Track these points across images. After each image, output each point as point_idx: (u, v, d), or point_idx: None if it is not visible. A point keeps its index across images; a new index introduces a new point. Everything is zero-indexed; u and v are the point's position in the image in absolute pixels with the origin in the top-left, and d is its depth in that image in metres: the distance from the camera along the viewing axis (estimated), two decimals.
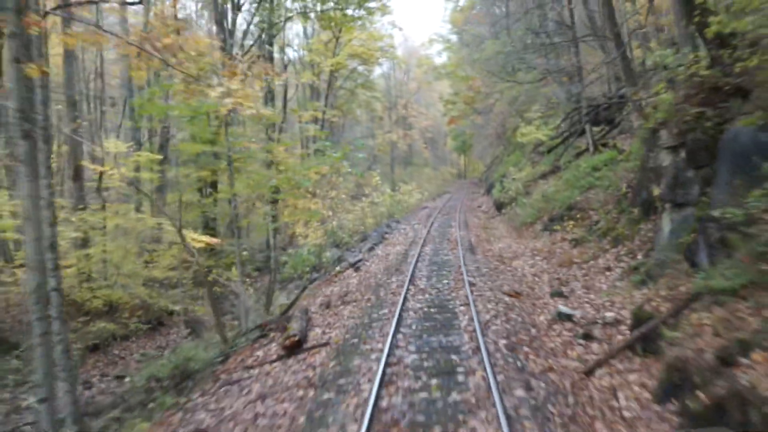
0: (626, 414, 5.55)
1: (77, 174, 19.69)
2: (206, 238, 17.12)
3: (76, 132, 19.34)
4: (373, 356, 6.83)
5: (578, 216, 16.22)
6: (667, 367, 5.71)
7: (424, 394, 5.60)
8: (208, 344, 11.32)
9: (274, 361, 7.85)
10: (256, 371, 7.66)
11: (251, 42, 26.86)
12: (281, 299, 14.89)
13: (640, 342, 6.65)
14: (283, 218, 18.05)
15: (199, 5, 28.90)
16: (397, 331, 7.73)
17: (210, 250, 19.28)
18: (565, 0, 21.91)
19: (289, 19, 27.99)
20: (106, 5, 20.15)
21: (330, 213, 20.85)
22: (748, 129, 7.71)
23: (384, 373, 6.12)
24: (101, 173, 20.19)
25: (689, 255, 7.33)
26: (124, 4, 18.09)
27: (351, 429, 4.89)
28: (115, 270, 18.96)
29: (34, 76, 6.61)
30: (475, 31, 36.32)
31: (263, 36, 26.77)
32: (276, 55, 32.71)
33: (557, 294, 10.44)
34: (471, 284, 10.55)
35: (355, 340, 7.73)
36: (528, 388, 5.77)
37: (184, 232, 17.89)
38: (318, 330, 8.96)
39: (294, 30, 43.61)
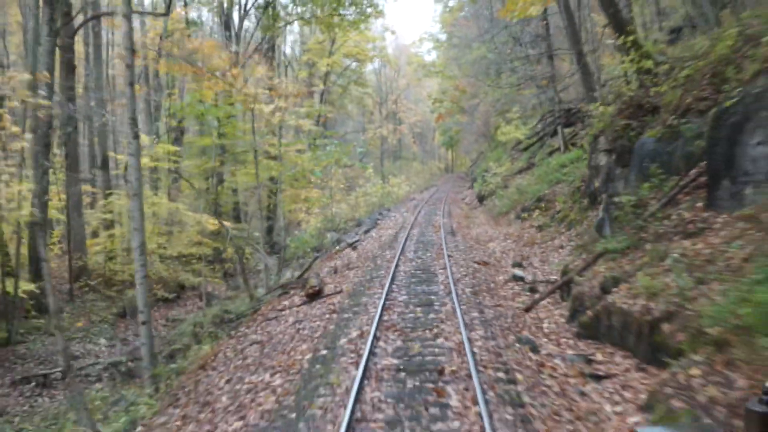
0: (545, 329, 8.50)
1: (104, 163, 22.38)
2: (214, 221, 20.04)
3: (104, 126, 22.04)
4: (376, 296, 9.74)
5: (544, 206, 19.20)
6: (572, 299, 8.70)
7: (411, 315, 8.53)
8: (235, 302, 14.17)
9: (300, 305, 10.74)
10: (287, 312, 10.54)
11: (256, 44, 29.55)
12: (287, 275, 17.72)
13: (561, 289, 9.64)
14: (287, 205, 20.90)
15: (209, 10, 31.46)
16: (392, 283, 10.65)
17: (217, 233, 22.04)
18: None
19: (289, 23, 30.68)
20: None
21: (329, 201, 23.75)
22: (650, 139, 10.68)
23: (384, 304, 9.03)
24: (126, 162, 22.93)
25: (598, 229, 10.32)
26: (150, 14, 20.71)
27: (365, 329, 7.80)
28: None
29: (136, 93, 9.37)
30: (462, 34, 39.18)
31: (266, 38, 29.49)
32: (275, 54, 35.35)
33: (517, 264, 13.42)
34: (449, 256, 13.50)
35: (361, 289, 10.66)
36: (481, 313, 8.72)
37: (202, 216, 20.76)
38: (331, 285, 11.86)
39: (292, 30, 46.09)
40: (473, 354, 6.55)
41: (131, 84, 9.16)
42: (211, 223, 20.49)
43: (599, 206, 13.80)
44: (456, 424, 4.88)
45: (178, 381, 8.59)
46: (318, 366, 6.72)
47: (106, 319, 18.10)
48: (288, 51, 42.98)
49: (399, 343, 7.20)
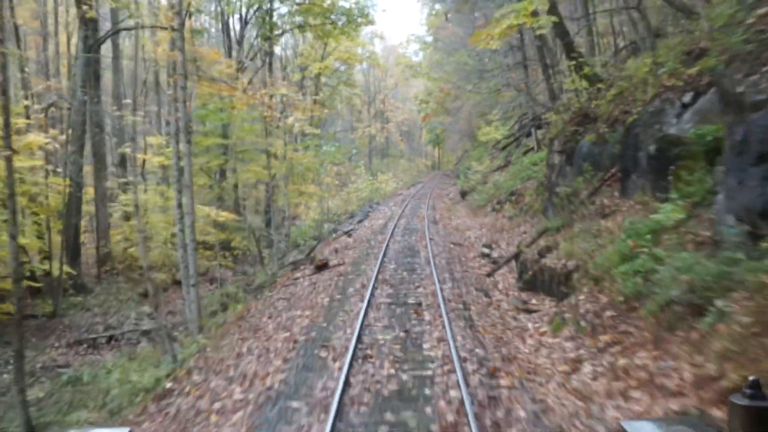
0: (499, 286, 11.57)
1: (122, 161, 25.19)
2: (225, 214, 22.98)
3: (122, 127, 24.86)
4: (372, 265, 12.77)
5: (515, 199, 22.29)
6: (520, 264, 11.78)
7: (399, 276, 11.58)
8: (252, 278, 17.13)
9: (311, 274, 13.74)
10: (301, 279, 13.54)
11: (255, 51, 32.41)
12: (290, 259, 20.66)
13: (515, 260, 12.72)
14: (291, 198, 23.81)
15: (210, 18, 34.22)
16: (384, 257, 13.68)
17: (222, 224, 24.89)
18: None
19: (286, 31, 33.55)
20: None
21: (326, 195, 26.72)
22: (587, 143, 13.77)
23: (379, 269, 12.05)
24: (144, 160, 25.81)
25: (544, 213, 13.44)
26: (166, 29, 23.56)
27: (366, 283, 10.82)
28: (153, 237, 24.54)
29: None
30: (447, 39, 42.23)
31: (265, 45, 32.34)
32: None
33: (486, 246, 16.48)
34: (431, 239, 16.55)
35: (360, 261, 13.71)
36: (452, 275, 11.79)
37: (211, 209, 23.62)
38: (334, 261, 14.86)
39: (287, 35, 48.89)
40: (443, 296, 9.59)
41: (184, 102, 12.05)
42: (217, 215, 23.39)
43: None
44: (428, 327, 7.93)
45: (223, 328, 11.54)
46: (335, 303, 9.75)
47: (132, 298, 20.96)
48: (282, 54, 45.75)
49: (391, 290, 10.26)
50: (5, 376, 14.09)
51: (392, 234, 17.87)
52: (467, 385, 5.73)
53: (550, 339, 7.92)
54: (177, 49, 12.17)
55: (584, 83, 14.24)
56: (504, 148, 31.84)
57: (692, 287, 6.11)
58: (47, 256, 20.13)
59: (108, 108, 23.54)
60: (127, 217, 25.04)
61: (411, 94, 74.18)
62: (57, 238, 20.92)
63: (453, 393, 5.65)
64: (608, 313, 7.53)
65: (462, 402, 5.34)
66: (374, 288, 10.33)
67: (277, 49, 43.95)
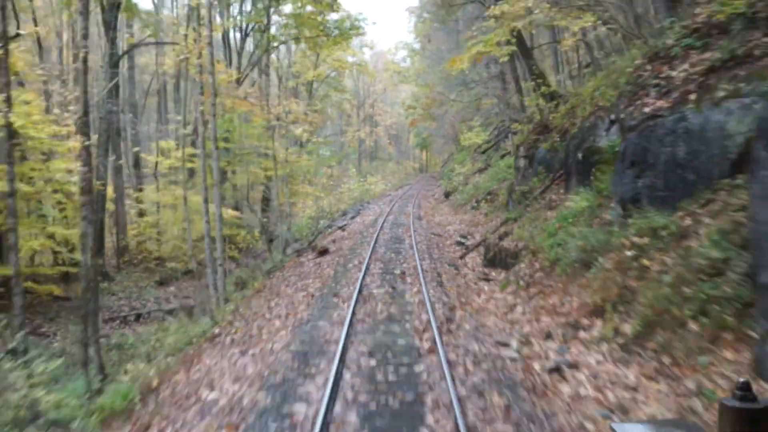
0: (468, 264, 14.65)
1: (137, 162, 28.07)
2: (230, 211, 25.90)
3: (136, 132, 27.73)
4: (365, 250, 15.81)
5: (491, 198, 25.41)
6: (485, 247, 14.87)
7: (388, 256, 14.65)
8: (261, 265, 20.08)
9: (315, 258, 16.75)
10: (306, 262, 16.55)
11: (254, 61, 35.34)
12: (293, 248, 23.61)
13: (481, 245, 15.81)
14: (287, 197, 26.80)
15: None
16: (375, 244, 16.73)
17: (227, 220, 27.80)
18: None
19: (283, 42, 36.52)
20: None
21: (321, 194, 29.75)
22: (543, 150, 16.91)
23: (371, 253, 15.10)
24: (156, 162, 28.69)
25: (506, 207, 16.56)
26: (177, 44, 26.50)
27: (362, 261, 13.86)
28: (167, 231, 27.47)
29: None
30: (434, 48, 45.38)
31: (263, 56, 35.31)
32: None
33: (462, 236, 19.56)
34: (415, 231, 19.63)
35: (355, 248, 16.76)
36: (430, 256, 14.87)
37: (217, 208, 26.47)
38: (333, 248, 17.89)
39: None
40: (422, 268, 12.66)
41: (213, 115, 14.99)
42: (224, 212, 26.31)
43: None
44: (409, 286, 11.01)
45: (246, 298, 14.50)
46: (339, 274, 12.81)
47: (150, 285, 23.85)
48: (277, 62, 48.67)
49: (381, 265, 13.33)
50: (55, 344, 16.98)
51: (381, 227, 20.93)
52: (433, 313, 8.79)
53: (498, 295, 11.01)
54: (208, 73, 15.13)
55: (540, 100, 17.33)
56: (484, 152, 35.01)
57: (585, 250, 9.25)
58: (73, 248, 22.98)
59: (125, 115, 26.39)
60: (140, 214, 27.91)
61: (399, 98, 77.29)
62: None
63: (423, 317, 8.72)
64: (538, 274, 10.65)
65: (429, 321, 8.40)
66: (369, 264, 13.39)
67: (272, 56, 46.93)
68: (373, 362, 6.93)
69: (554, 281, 9.90)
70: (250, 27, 34.61)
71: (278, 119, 20.73)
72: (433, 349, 7.22)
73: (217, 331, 11.04)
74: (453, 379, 6.12)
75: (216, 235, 15.39)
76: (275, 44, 35.66)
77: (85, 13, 11.36)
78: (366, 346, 7.56)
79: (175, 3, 36.10)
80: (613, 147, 11.61)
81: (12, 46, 15.74)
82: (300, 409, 5.72)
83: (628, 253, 8.32)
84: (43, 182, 20.54)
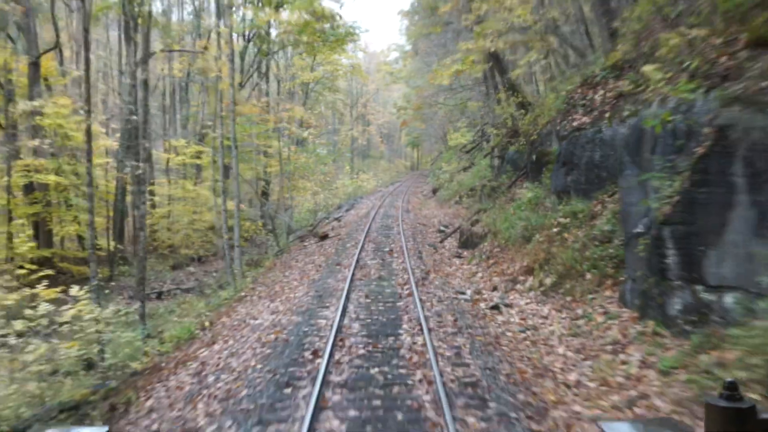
0: (446, 246, 17.86)
1: (148, 158, 31.06)
2: (261, 199, 28.81)
3: (149, 132, 30.69)
4: (360, 235, 19.01)
5: (472, 194, 28.66)
6: (459, 233, 18.09)
7: (379, 239, 17.86)
8: (266, 250, 23.21)
9: (317, 242, 19.91)
10: (309, 245, 19.71)
11: (255, 65, 38.43)
12: (296, 235, 26.76)
13: (457, 231, 19.04)
14: (290, 191, 29.94)
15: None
16: (368, 230, 19.92)
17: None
18: None
19: (283, 48, 39.61)
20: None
21: (318, 189, 32.93)
22: (513, 151, 20.15)
23: (365, 236, 18.29)
24: (168, 159, 31.73)
25: (480, 200, 19.82)
26: (190, 52, 29.57)
27: (359, 243, 17.05)
28: (176, 222, 30.51)
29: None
30: (423, 51, 48.55)
31: (264, 61, 38.40)
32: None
33: (444, 226, 22.78)
34: (403, 221, 22.83)
35: (352, 233, 19.95)
36: (414, 239, 18.10)
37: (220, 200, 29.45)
38: (332, 234, 21.06)
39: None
40: (406, 247, 15.87)
41: (233, 120, 18.07)
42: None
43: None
44: (396, 258, 14.24)
45: (260, 274, 17.62)
46: (339, 251, 16.01)
47: (164, 269, 26.92)
48: (275, 65, 51.68)
49: (374, 245, 16.53)
50: None
51: (373, 218, 24.14)
52: (413, 275, 12.00)
53: (465, 266, 14.23)
54: (230, 85, 18.23)
55: (511, 109, 20.54)
56: (468, 151, 38.27)
57: (527, 229, 12.49)
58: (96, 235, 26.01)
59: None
60: (153, 206, 30.93)
61: (392, 98, 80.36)
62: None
63: (405, 277, 11.94)
64: (495, 249, 13.89)
65: (409, 279, 11.61)
66: (363, 244, 16.59)
67: (272, 60, 49.99)
68: (368, 300, 10.15)
69: (506, 254, 13.15)
70: (252, 33, 37.67)
71: (285, 122, 23.90)
72: (410, 293, 10.44)
73: (243, 294, 14.19)
74: (422, 308, 9.33)
75: (235, 220, 18.53)
76: (275, 49, 38.77)
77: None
78: (363, 292, 10.77)
79: (181, 10, 39.13)
80: (555, 152, 14.90)
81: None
82: (321, 322, 8.93)
83: (555, 230, 11.59)
84: (74, 176, 23.59)
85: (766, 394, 5.09)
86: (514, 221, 13.56)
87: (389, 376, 6.53)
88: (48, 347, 8.51)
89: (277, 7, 34.69)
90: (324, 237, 20.20)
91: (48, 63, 25.25)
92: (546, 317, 9.52)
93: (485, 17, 15.65)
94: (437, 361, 6.78)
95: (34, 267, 14.26)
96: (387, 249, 15.98)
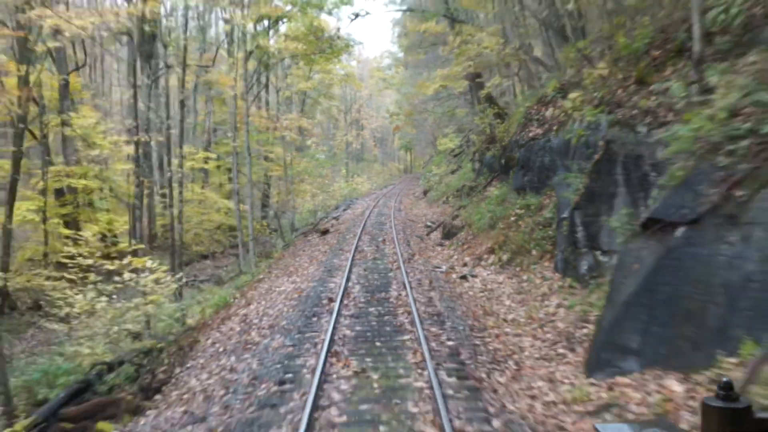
0: (431, 238, 21.16)
1: (160, 164, 34.29)
2: (242, 206, 32.11)
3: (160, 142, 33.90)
4: (357, 230, 22.29)
5: (457, 193, 31.99)
6: (442, 226, 21.40)
7: (374, 232, 21.17)
8: (276, 243, 26.44)
9: (319, 236, 23.18)
10: (312, 239, 22.97)
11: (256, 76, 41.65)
12: (299, 231, 30.01)
13: (441, 225, 22.35)
14: (293, 193, 33.24)
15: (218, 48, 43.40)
16: (364, 226, 23.21)
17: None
18: None
19: (282, 59, 42.88)
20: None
21: (317, 191, 36.20)
22: (489, 156, 23.49)
23: (362, 230, 21.58)
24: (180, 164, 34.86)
25: (460, 198, 23.15)
26: (202, 66, 32.82)
27: (356, 235, 20.34)
28: (187, 222, 33.65)
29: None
30: (414, 60, 51.95)
31: (264, 72, 41.64)
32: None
33: (431, 222, 26.08)
34: (394, 218, 26.13)
35: (350, 229, 23.25)
36: (404, 232, 21.43)
37: (227, 202, 32.69)
38: (333, 229, 24.32)
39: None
40: (396, 238, 19.16)
41: (247, 131, 21.29)
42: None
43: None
44: (388, 246, 17.57)
45: (272, 263, 20.82)
46: (340, 242, 19.29)
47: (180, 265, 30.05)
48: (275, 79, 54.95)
49: (369, 237, 19.84)
50: None
51: (368, 217, 27.43)
52: (401, 257, 15.29)
53: (444, 252, 17.52)
54: (243, 101, 21.47)
55: (488, 119, 23.85)
56: (456, 155, 41.62)
57: (492, 219, 15.82)
58: (114, 233, 29.22)
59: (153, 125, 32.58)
60: (165, 207, 34.13)
61: (385, 102, 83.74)
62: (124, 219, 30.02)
63: (395, 257, 15.24)
64: (469, 237, 17.21)
65: (398, 259, 14.88)
66: (360, 236, 19.89)
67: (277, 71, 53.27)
68: (366, 272, 13.47)
69: (476, 239, 16.46)
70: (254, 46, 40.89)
71: (288, 130, 27.21)
72: (398, 268, 13.75)
73: (261, 276, 17.43)
74: (407, 276, 12.62)
75: (249, 219, 21.78)
76: (274, 61, 42.06)
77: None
78: (361, 267, 14.08)
79: (186, 28, 42.30)
80: (518, 157, 18.23)
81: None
82: (331, 285, 12.23)
83: (512, 219, 14.93)
84: (99, 180, 26.80)
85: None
86: (484, 214, 16.87)
87: (381, 311, 9.85)
88: (135, 303, 11.75)
89: (277, 21, 38.02)
90: (325, 232, 23.46)
91: (72, 78, 28.44)
92: (501, 283, 12.85)
93: (460, 47, 18.95)
94: (414, 304, 10.05)
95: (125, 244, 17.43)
96: (381, 239, 19.27)
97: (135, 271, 13.71)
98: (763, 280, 5.83)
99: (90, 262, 14.56)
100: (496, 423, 5.63)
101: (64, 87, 26.52)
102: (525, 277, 12.49)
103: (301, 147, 36.29)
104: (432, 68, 42.06)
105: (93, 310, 11.94)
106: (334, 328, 8.66)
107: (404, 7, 39.77)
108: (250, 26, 22.33)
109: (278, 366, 7.42)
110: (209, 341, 10.83)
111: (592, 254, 10.60)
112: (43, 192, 25.73)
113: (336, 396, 6.25)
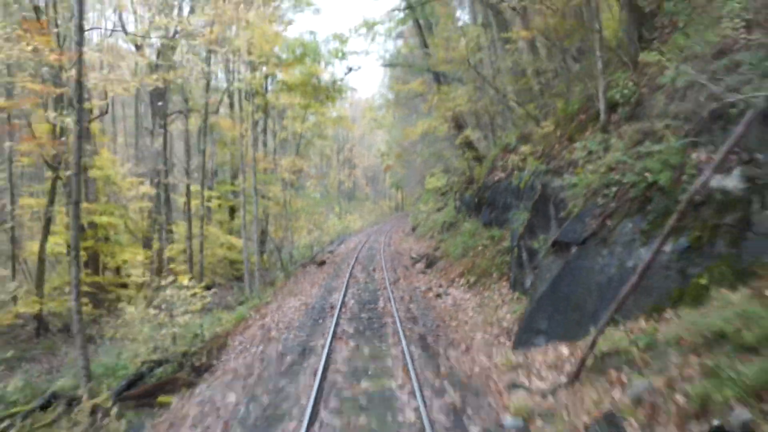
0: (416, 267, 24.50)
1: (167, 200, 37.65)
2: (240, 241, 35.43)
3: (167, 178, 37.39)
4: (351, 260, 25.62)
5: (441, 229, 35.43)
6: (426, 258, 24.78)
7: (365, 262, 24.53)
8: (278, 273, 29.69)
9: (317, 267, 26.47)
10: (311, 269, 26.27)
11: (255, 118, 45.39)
12: (298, 264, 33.28)
13: (425, 257, 25.72)
14: (291, 229, 36.61)
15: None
16: (357, 258, 26.54)
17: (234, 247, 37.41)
18: None
19: (278, 105, 46.71)
20: None
21: (313, 228, 39.61)
22: (468, 195, 27.01)
23: (355, 260, 24.92)
24: (185, 202, 38.29)
25: (441, 232, 26.60)
26: (209, 113, 36.50)
27: (350, 264, 23.68)
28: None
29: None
30: (401, 105, 56.00)
31: (262, 116, 45.40)
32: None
33: (417, 255, 29.42)
34: (384, 251, 29.50)
35: (344, 260, 26.58)
36: (392, 263, 24.81)
37: (229, 237, 36.04)
38: (329, 261, 27.63)
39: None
40: (385, 267, 22.51)
41: (254, 174, 24.75)
42: (237, 243, 35.98)
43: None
44: (378, 274, 20.95)
45: (276, 289, 24.04)
46: (336, 271, 22.63)
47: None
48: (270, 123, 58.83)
49: (361, 267, 23.21)
50: None
51: (360, 250, 30.81)
52: (389, 280, 18.62)
53: (426, 278, 20.85)
54: (251, 146, 24.96)
55: (466, 163, 27.42)
56: (443, 194, 45.21)
57: (464, 248, 19.25)
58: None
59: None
60: (171, 241, 37.40)
61: (377, 141, 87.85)
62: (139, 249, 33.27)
63: (383, 282, 18.59)
64: (446, 265, 20.60)
65: (386, 282, 18.21)
66: (353, 266, 23.24)
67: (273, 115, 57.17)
68: (359, 291, 16.80)
69: (451, 266, 19.84)
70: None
71: (287, 171, 30.78)
72: (385, 288, 17.08)
73: (269, 299, 20.67)
74: (392, 294, 15.93)
75: (254, 254, 25.10)
76: (272, 106, 45.91)
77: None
78: (355, 288, 17.42)
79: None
80: (487, 196, 21.73)
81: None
82: (332, 300, 15.54)
83: (480, 248, 18.33)
84: (118, 216, 30.11)
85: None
86: (458, 245, 20.28)
87: (371, 316, 13.19)
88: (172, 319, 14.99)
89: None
90: (322, 263, 26.78)
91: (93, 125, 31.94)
92: (467, 299, 16.18)
93: (437, 104, 22.66)
94: (396, 312, 13.37)
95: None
96: (371, 268, 22.61)
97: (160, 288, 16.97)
98: (619, 280, 9.19)
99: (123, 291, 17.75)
100: (443, 370, 8.95)
101: (87, 131, 29.99)
102: (486, 294, 15.84)
103: (300, 186, 39.85)
104: (420, 111, 45.98)
105: (143, 318, 15.17)
106: (336, 324, 11.97)
107: (397, 61, 43.57)
108: (259, 82, 25.75)
109: (298, 347, 10.74)
110: (236, 342, 14.07)
111: (533, 272, 13.97)
112: (69, 227, 29.01)
113: (339, 359, 9.58)
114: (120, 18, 32.51)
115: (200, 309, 18.40)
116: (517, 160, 18.80)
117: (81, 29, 12.63)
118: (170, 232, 37.63)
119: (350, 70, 35.31)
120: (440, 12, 25.51)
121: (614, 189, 10.14)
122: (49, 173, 26.15)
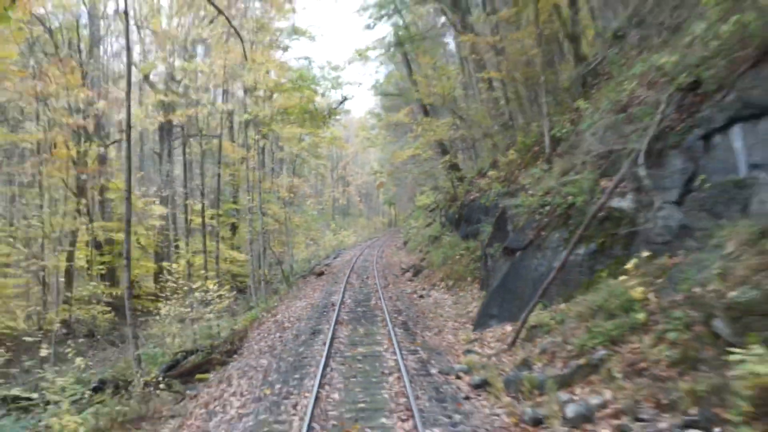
0: (405, 276, 28.05)
1: (173, 219, 41.15)
2: (241, 256, 39.00)
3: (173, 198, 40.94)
4: (347, 271, 29.16)
5: (430, 242, 39.03)
6: (414, 269, 28.33)
7: (360, 273, 28.07)
8: (279, 285, 33.17)
9: (316, 277, 29.97)
10: (311, 280, 29.77)
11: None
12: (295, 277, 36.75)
13: (413, 267, 29.28)
14: (291, 244, 40.12)
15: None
16: (352, 269, 30.08)
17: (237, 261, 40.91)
18: None
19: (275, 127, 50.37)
20: None
21: (311, 243, 43.13)
22: (452, 212, 30.63)
23: (351, 271, 28.47)
24: (190, 220, 41.85)
25: (427, 246, 30.22)
26: (211, 137, 40.15)
27: (346, 273, 27.23)
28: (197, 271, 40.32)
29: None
30: (392, 125, 59.81)
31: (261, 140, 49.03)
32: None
33: (406, 266, 32.97)
34: (377, 263, 33.06)
35: (341, 271, 30.12)
36: (384, 273, 28.39)
37: (232, 252, 39.60)
38: (327, 272, 31.15)
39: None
40: (377, 275, 26.06)
41: (260, 193, 28.25)
42: (239, 257, 39.47)
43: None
44: (370, 281, 24.54)
45: (281, 298, 27.48)
46: (334, 281, 26.16)
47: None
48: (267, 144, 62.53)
49: (356, 276, 26.77)
50: None
51: (355, 263, 34.35)
52: (380, 286, 22.18)
53: (412, 284, 24.39)
54: (256, 171, 28.54)
55: (449, 183, 31.04)
56: (432, 210, 48.89)
57: (445, 257, 22.86)
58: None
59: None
60: (178, 255, 40.83)
61: (370, 159, 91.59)
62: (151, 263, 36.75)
63: (375, 287, 22.16)
64: (430, 273, 24.19)
65: (378, 288, 21.77)
66: (349, 276, 26.78)
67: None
68: (355, 294, 20.34)
69: (434, 273, 23.40)
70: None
71: (286, 190, 34.43)
72: (377, 291, 20.64)
73: (275, 305, 24.13)
74: (382, 294, 19.48)
75: (261, 264, 28.59)
76: (270, 130, 49.61)
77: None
78: (351, 292, 20.97)
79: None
80: (465, 213, 25.36)
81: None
82: (332, 300, 19.11)
83: (457, 257, 21.94)
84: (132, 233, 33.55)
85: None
86: (440, 255, 23.85)
87: (365, 310, 16.78)
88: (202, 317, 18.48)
89: (271, 95, 45.43)
90: (321, 274, 30.30)
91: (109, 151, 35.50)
92: (445, 298, 19.76)
93: (421, 133, 26.42)
94: (386, 307, 16.91)
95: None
96: (365, 276, 26.14)
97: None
98: (546, 275, 12.77)
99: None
100: (418, 341, 12.52)
101: (104, 156, 33.60)
102: (461, 294, 19.42)
103: (298, 204, 43.52)
104: (410, 133, 49.81)
105: (177, 316, 18.64)
106: (338, 315, 15.54)
107: (387, 87, 47.27)
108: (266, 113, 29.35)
109: (309, 330, 14.31)
110: (255, 333, 17.57)
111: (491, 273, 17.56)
112: (89, 243, 32.48)
113: (341, 335, 13.16)
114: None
115: (225, 307, 21.92)
116: (486, 183, 22.48)
117: (129, 84, 16.26)
118: (177, 247, 41.12)
119: (345, 99, 38.34)
120: (421, 51, 29.27)
121: (547, 208, 13.78)
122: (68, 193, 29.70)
